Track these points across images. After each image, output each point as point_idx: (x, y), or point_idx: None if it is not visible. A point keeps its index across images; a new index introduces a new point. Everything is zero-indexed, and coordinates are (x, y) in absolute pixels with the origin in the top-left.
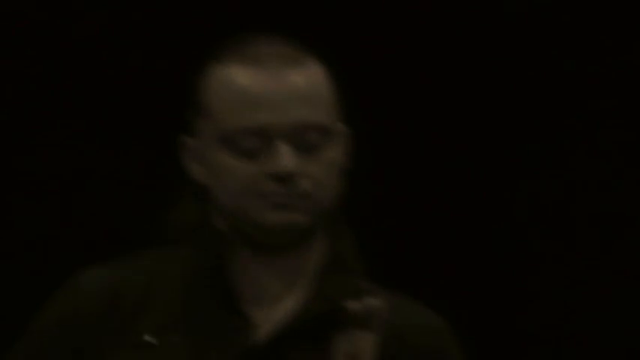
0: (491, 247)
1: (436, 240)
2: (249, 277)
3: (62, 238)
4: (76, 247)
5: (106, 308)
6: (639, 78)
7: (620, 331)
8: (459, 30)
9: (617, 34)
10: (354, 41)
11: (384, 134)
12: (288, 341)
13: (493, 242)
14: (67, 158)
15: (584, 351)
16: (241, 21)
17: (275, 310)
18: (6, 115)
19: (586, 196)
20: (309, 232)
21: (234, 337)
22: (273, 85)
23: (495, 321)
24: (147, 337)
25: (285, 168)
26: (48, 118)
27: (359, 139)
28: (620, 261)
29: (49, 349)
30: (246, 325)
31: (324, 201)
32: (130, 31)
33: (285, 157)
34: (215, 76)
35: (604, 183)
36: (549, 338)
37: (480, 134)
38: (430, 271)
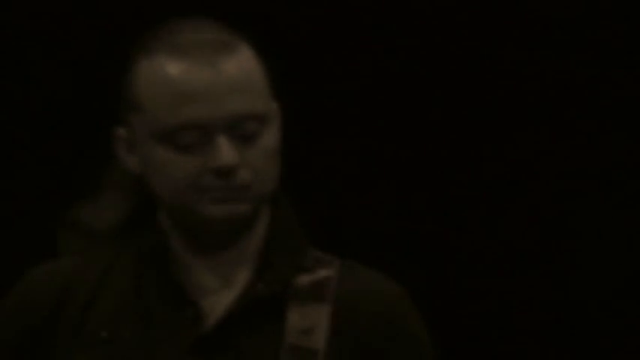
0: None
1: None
2: (194, 266)
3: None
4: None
5: (57, 302)
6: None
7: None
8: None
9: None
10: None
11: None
12: (238, 325)
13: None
14: None
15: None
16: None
17: (224, 297)
18: None
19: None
20: (252, 219)
21: (185, 327)
22: (206, 77)
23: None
24: (98, 332)
25: (226, 162)
26: None
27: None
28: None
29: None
30: (195, 314)
31: (264, 188)
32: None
33: (225, 151)
34: (144, 70)
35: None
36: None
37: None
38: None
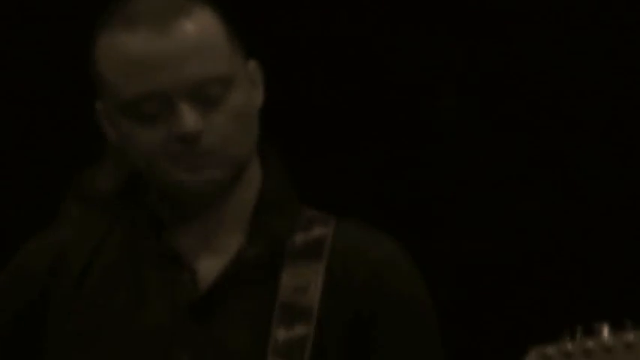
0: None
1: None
2: (185, 232)
3: None
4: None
5: (52, 271)
6: None
7: None
8: None
9: None
10: None
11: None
12: (232, 287)
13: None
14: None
15: None
16: None
17: (217, 261)
18: None
19: None
20: (232, 182)
21: (180, 291)
22: (160, 45)
23: None
24: (94, 298)
25: (189, 129)
26: None
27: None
28: None
29: None
30: (190, 278)
31: (236, 151)
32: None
33: (187, 118)
34: (103, 44)
35: None
36: None
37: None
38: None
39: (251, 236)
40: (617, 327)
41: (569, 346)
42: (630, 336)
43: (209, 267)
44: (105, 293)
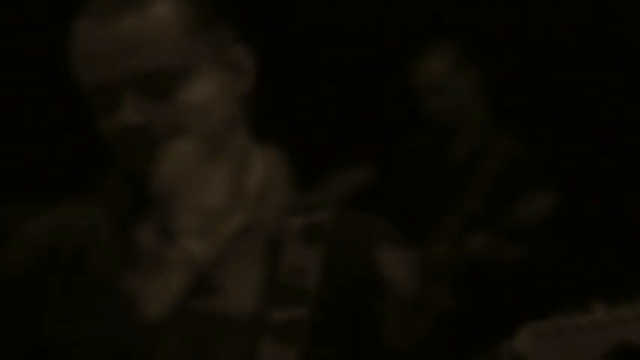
0: None
1: None
2: (181, 211)
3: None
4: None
5: (47, 256)
6: None
7: None
8: None
9: None
10: None
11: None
12: (229, 267)
13: None
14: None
15: None
16: None
17: (215, 240)
18: None
19: None
20: (210, 167)
21: (176, 269)
22: (106, 37)
23: None
24: (92, 279)
25: (129, 121)
26: None
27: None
28: None
29: None
30: (187, 258)
31: (197, 141)
32: None
33: (127, 110)
34: (71, 36)
35: None
36: None
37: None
38: None
39: (250, 219)
40: (610, 303)
41: (562, 322)
42: (623, 311)
43: (207, 248)
44: (100, 274)
